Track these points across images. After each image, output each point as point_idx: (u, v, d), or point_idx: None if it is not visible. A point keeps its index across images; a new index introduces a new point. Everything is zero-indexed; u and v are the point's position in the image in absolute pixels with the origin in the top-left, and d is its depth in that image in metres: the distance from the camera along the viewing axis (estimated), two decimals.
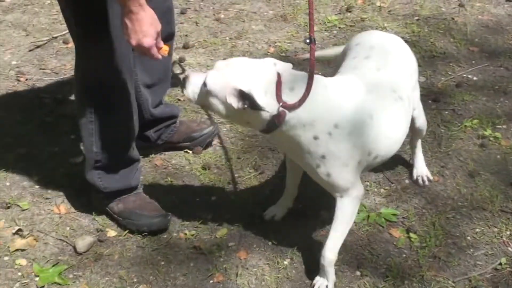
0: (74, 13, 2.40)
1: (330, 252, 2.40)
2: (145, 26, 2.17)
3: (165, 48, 2.31)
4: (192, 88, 2.25)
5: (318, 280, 2.45)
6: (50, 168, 3.04)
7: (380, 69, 2.46)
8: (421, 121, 2.82)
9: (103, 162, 2.66)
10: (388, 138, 2.41)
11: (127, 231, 2.69)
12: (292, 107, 2.16)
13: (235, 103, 2.14)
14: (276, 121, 2.17)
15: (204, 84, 2.20)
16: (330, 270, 2.42)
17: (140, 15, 2.14)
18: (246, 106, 2.13)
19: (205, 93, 2.21)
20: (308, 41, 2.23)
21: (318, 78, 2.22)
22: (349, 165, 2.31)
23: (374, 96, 2.35)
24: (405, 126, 2.51)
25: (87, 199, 2.82)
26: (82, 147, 2.71)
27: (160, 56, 2.29)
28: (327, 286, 2.43)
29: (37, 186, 2.94)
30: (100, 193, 2.72)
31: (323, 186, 2.39)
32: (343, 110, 2.26)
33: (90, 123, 2.59)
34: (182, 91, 2.29)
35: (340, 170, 2.29)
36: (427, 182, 2.92)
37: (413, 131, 2.86)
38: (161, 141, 3.11)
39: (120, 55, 2.45)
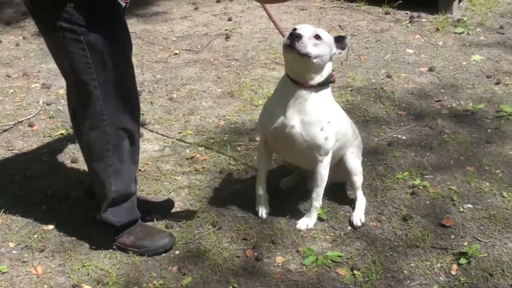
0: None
1: (316, 201, 3.26)
2: None
3: None
4: (307, 41, 2.88)
5: (303, 220, 3.28)
6: (25, 235, 3.27)
7: None
8: (352, 166, 3.34)
9: (117, 199, 2.98)
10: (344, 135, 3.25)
11: (100, 284, 2.94)
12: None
13: (339, 48, 3.04)
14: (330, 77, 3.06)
15: (318, 37, 2.91)
16: (315, 213, 3.27)
17: None
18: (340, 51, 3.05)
19: (319, 43, 2.92)
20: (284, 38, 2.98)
21: None
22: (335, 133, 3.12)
23: None
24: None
25: (63, 259, 3.07)
26: (98, 192, 3.04)
27: None
28: (307, 225, 3.26)
29: (14, 252, 3.16)
30: (111, 229, 3.04)
31: (311, 152, 3.10)
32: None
33: (108, 166, 2.91)
34: (293, 45, 2.86)
35: (332, 136, 3.10)
36: (359, 223, 3.28)
37: (345, 173, 3.36)
38: None
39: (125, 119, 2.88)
